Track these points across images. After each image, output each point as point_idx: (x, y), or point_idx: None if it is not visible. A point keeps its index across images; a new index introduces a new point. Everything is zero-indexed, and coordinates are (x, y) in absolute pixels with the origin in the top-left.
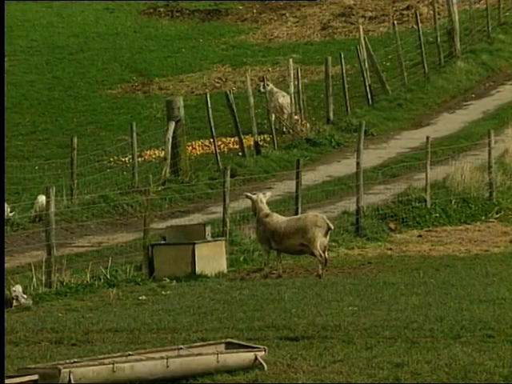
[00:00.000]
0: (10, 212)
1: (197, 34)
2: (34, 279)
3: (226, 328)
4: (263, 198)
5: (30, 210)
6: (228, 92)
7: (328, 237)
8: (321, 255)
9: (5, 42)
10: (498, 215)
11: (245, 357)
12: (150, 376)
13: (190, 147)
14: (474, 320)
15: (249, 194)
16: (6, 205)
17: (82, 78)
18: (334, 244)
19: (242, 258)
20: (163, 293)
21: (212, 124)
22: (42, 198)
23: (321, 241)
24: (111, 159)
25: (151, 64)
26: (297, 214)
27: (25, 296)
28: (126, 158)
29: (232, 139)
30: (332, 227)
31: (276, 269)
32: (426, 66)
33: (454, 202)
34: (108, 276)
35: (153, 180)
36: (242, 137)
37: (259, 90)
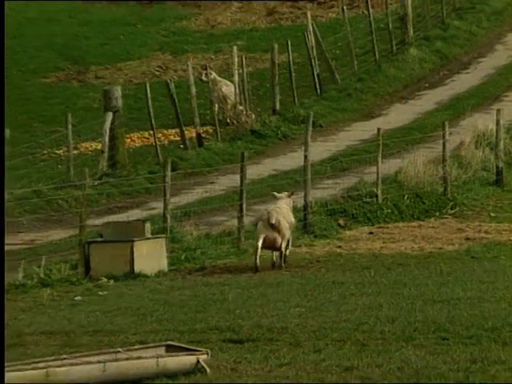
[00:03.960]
0: None
1: (135, 20)
2: None
3: (166, 330)
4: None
5: None
6: (168, 81)
7: (276, 232)
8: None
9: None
10: (452, 211)
11: (186, 360)
12: (86, 381)
13: (129, 139)
14: (427, 321)
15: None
16: None
17: (14, 65)
18: None
19: (183, 257)
20: (100, 293)
21: (152, 115)
22: None
23: (263, 236)
24: (45, 152)
25: (87, 51)
26: (241, 210)
27: None
28: (61, 151)
29: (173, 131)
30: (273, 222)
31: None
32: (377, 53)
33: (406, 197)
34: (41, 275)
35: (89, 174)
36: (184, 128)
37: (201, 79)
